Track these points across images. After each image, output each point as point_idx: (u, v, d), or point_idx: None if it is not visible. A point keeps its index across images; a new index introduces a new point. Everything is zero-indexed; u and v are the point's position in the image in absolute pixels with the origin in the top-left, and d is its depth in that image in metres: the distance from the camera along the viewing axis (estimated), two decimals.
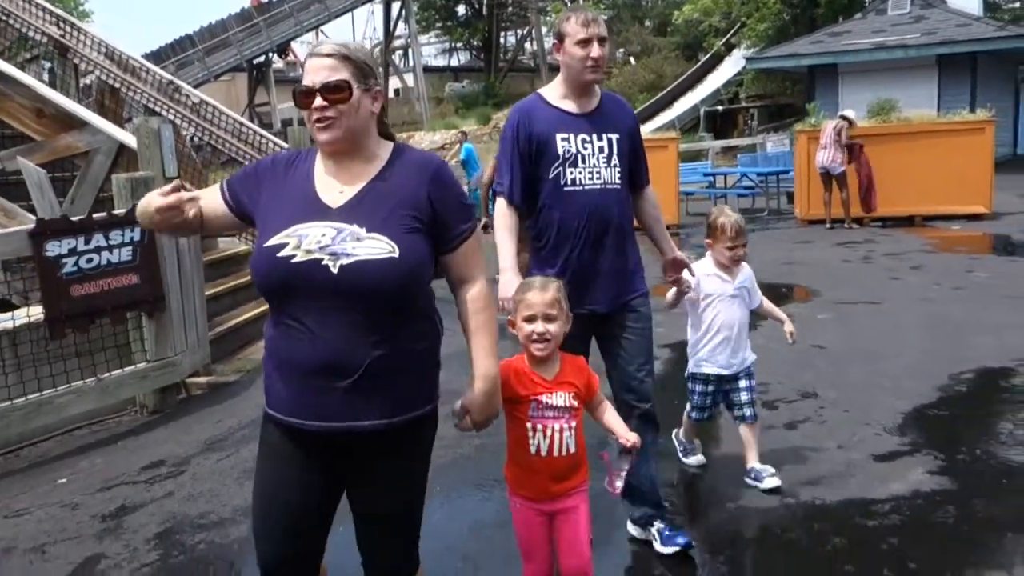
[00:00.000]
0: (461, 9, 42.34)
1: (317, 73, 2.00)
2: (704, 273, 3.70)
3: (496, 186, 3.13)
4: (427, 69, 39.92)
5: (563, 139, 2.99)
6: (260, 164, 2.20)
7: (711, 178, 16.62)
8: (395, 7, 38.24)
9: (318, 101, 1.99)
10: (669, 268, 3.31)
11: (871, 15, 22.60)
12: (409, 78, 39.56)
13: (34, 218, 5.91)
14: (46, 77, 10.39)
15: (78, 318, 5.02)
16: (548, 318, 2.44)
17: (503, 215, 3.06)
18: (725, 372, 3.75)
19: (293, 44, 36.93)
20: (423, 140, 32.00)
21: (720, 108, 28.04)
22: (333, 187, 2.05)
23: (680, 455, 4.07)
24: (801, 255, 10.16)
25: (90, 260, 5.05)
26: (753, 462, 3.77)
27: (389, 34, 39.55)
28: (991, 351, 5.61)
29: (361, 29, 60.16)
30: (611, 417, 2.61)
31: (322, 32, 39.78)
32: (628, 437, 2.50)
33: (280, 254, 1.96)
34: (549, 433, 2.43)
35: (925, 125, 12.96)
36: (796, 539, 3.31)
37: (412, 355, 2.05)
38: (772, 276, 8.43)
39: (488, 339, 2.14)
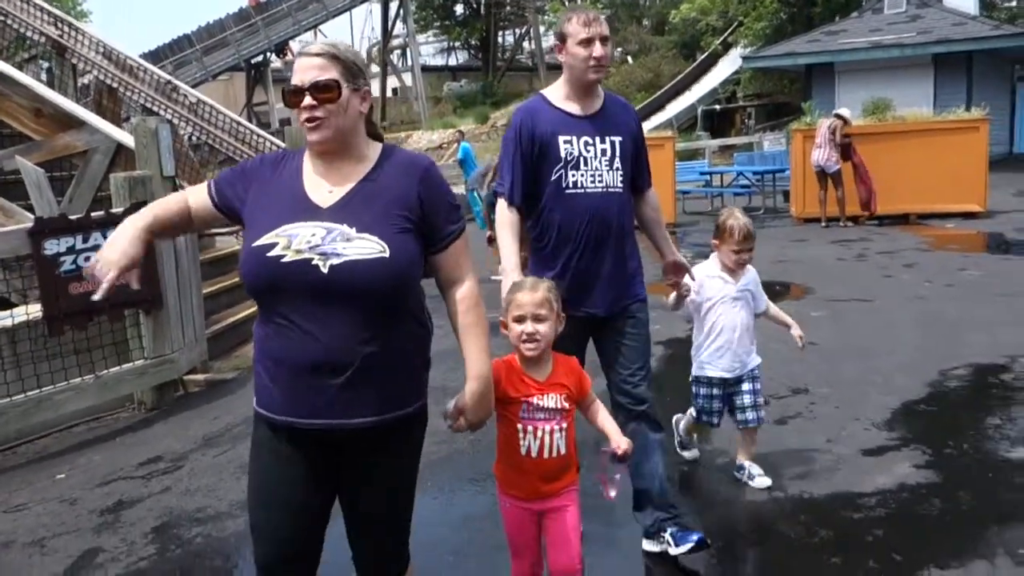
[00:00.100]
0: (459, 8, 42.38)
1: (306, 72, 2.01)
2: (707, 275, 3.68)
3: (497, 187, 3.13)
4: (425, 68, 39.98)
5: (566, 141, 2.98)
6: (248, 164, 2.20)
7: (708, 177, 16.68)
8: (393, 6, 38.29)
9: (307, 100, 1.99)
10: (669, 271, 3.31)
11: (867, 14, 22.65)
12: (407, 77, 39.62)
13: (32, 217, 5.96)
14: (44, 77, 10.44)
15: (76, 316, 5.07)
16: (538, 318, 2.43)
17: (504, 216, 3.05)
18: (728, 375, 3.71)
19: (291, 44, 36.91)
20: (421, 139, 32.06)
21: (717, 107, 28.10)
22: (322, 187, 2.06)
23: (676, 445, 4.08)
24: (796, 253, 10.21)
25: (88, 258, 5.06)
26: (744, 459, 3.82)
27: (387, 33, 39.58)
28: (982, 348, 5.66)
29: (359, 28, 60.24)
30: (604, 419, 2.59)
31: (320, 31, 39.79)
32: (620, 444, 2.48)
33: (270, 254, 1.96)
34: (540, 435, 2.43)
35: (920, 124, 13.03)
36: (784, 532, 3.36)
37: (402, 353, 2.06)
38: (767, 274, 8.42)
39: (480, 339, 2.15)
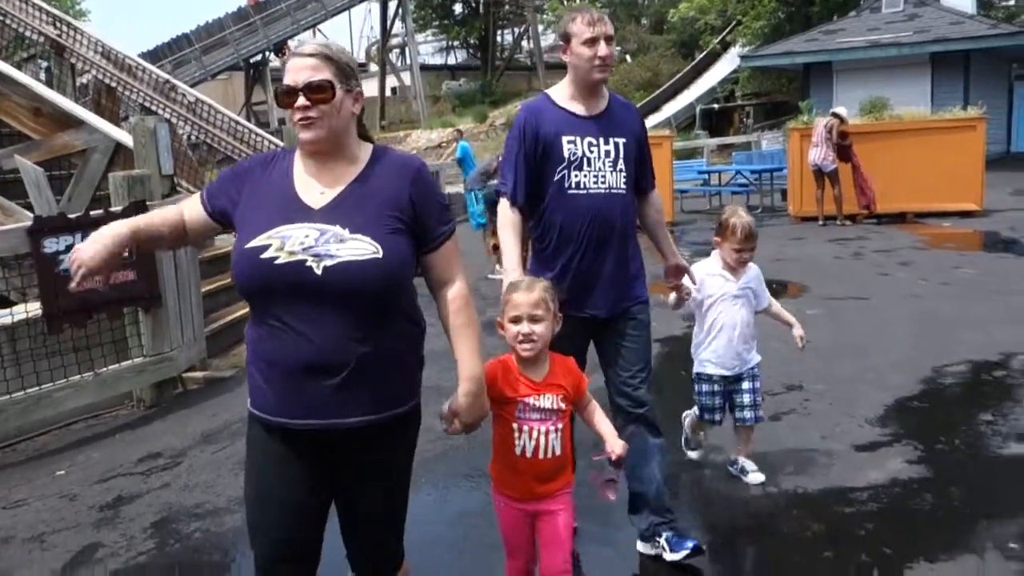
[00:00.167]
0: (458, 7, 42.33)
1: (300, 73, 2.01)
2: (708, 272, 3.66)
3: (499, 186, 3.13)
4: (424, 67, 39.96)
5: (569, 141, 2.98)
6: (237, 167, 2.20)
7: (706, 176, 16.72)
8: (392, 5, 38.28)
9: (301, 100, 1.99)
10: (671, 274, 3.31)
11: (865, 13, 22.69)
12: (406, 76, 39.62)
13: (32, 215, 5.99)
14: (42, 76, 10.48)
15: (75, 313, 5.10)
16: (534, 319, 2.42)
17: (506, 215, 3.05)
18: (728, 373, 3.71)
19: (290, 43, 36.91)
20: (420, 138, 32.08)
21: (716, 106, 28.11)
22: (314, 188, 2.06)
23: (682, 443, 4.04)
24: (793, 251, 10.24)
25: None
26: (739, 455, 3.84)
27: (386, 32, 39.58)
28: (976, 346, 5.70)
29: (358, 27, 60.22)
30: (600, 422, 2.58)
31: (319, 31, 39.78)
32: (614, 448, 2.47)
33: (263, 256, 1.96)
34: (535, 435, 2.42)
35: (917, 123, 13.07)
36: (777, 526, 3.39)
37: (396, 353, 2.07)
38: (764, 272, 8.49)
39: (471, 340, 2.15)
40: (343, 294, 1.94)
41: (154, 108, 9.80)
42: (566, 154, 2.97)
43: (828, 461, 3.97)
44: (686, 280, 3.35)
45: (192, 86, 15.74)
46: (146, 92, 10.00)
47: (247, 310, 2.13)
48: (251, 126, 10.20)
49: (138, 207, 5.39)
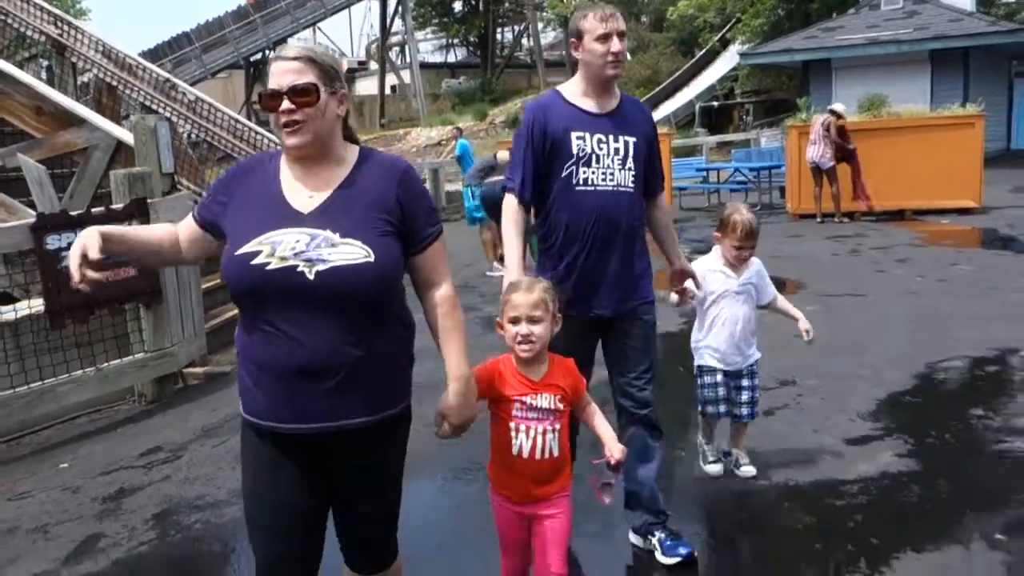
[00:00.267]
0: (457, 5, 42.36)
1: (284, 76, 2.00)
2: (709, 268, 3.62)
3: (507, 182, 3.10)
4: (424, 65, 39.98)
5: (578, 137, 2.95)
6: (224, 177, 2.20)
7: (705, 173, 16.77)
8: (391, 3, 38.29)
9: (285, 104, 1.99)
10: (675, 278, 3.31)
11: (864, 10, 22.72)
12: (406, 75, 39.65)
13: (34, 213, 6.05)
14: (44, 75, 10.53)
15: (78, 309, 5.16)
16: (533, 320, 2.41)
17: (511, 212, 3.03)
18: (729, 368, 3.68)
19: (290, 41, 36.98)
20: (420, 136, 32.13)
21: (715, 104, 28.16)
22: (302, 192, 2.05)
23: (700, 461, 3.88)
24: (791, 249, 10.28)
25: None
26: (732, 448, 3.88)
27: (386, 30, 39.61)
28: (971, 342, 5.74)
29: (358, 25, 60.19)
30: (599, 424, 2.57)
31: (319, 29, 39.86)
32: (613, 452, 2.46)
33: (254, 262, 1.96)
34: (532, 435, 2.41)
35: (915, 120, 13.12)
36: (767, 518, 3.46)
37: (388, 355, 2.07)
38: None
39: (459, 341, 2.15)
40: (335, 298, 1.94)
41: (155, 107, 9.85)
42: (575, 150, 2.95)
43: (819, 455, 4.02)
44: (689, 284, 3.34)
45: (192, 84, 15.80)
46: (147, 91, 10.05)
47: None
48: (251, 124, 10.25)
49: (139, 204, 5.46)
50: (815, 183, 12.33)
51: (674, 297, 3.47)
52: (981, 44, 19.71)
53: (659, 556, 3.12)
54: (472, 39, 43.18)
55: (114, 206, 5.50)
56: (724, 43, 29.15)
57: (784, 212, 13.63)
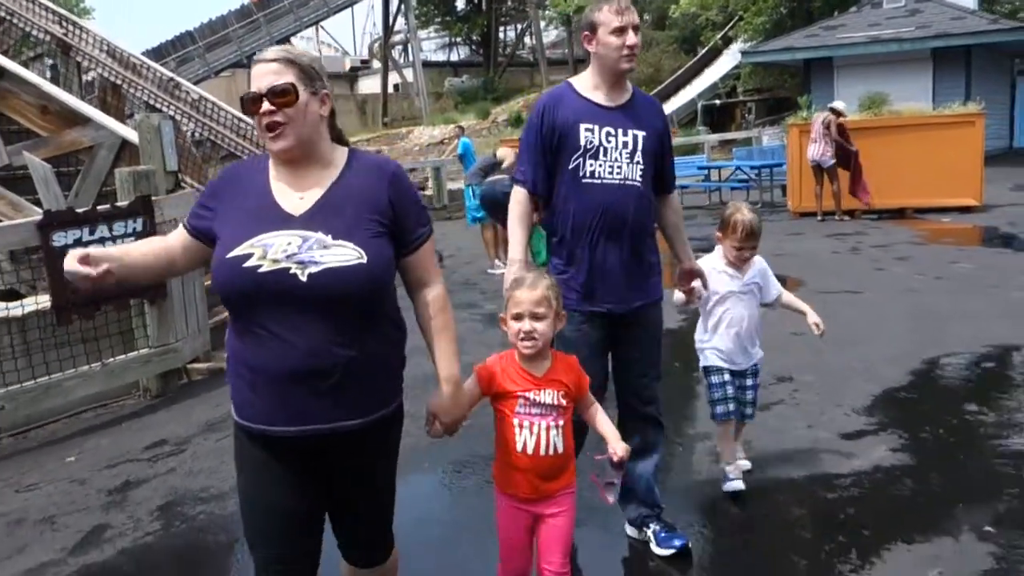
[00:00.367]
0: (460, 3, 42.43)
1: (263, 78, 2.01)
2: (713, 268, 3.54)
3: (516, 173, 3.11)
4: (426, 64, 40.03)
5: (587, 129, 2.94)
6: (212, 184, 2.20)
7: (706, 171, 16.82)
8: (394, 2, 38.32)
9: (265, 106, 1.99)
10: (683, 278, 3.29)
11: (867, 8, 22.73)
12: (408, 73, 39.70)
13: (40, 210, 6.12)
14: (48, 74, 10.61)
15: (84, 305, 5.23)
16: (536, 316, 2.40)
17: (517, 204, 3.03)
18: (734, 368, 3.63)
19: (293, 40, 37.03)
20: (422, 135, 32.17)
21: (718, 102, 28.17)
22: (292, 195, 2.05)
23: (723, 478, 3.66)
24: (791, 247, 10.31)
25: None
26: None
27: (388, 29, 39.66)
28: (967, 339, 5.79)
29: (360, 24, 60.24)
30: (602, 422, 2.57)
31: (322, 27, 39.93)
32: (616, 450, 2.46)
33: (246, 264, 1.95)
34: (536, 431, 2.41)
35: (916, 118, 13.16)
36: (760, 510, 3.51)
37: (381, 356, 2.08)
38: None
39: (449, 342, 2.17)
40: (328, 300, 1.94)
41: (159, 106, 9.92)
42: (582, 142, 2.94)
43: (813, 449, 4.08)
44: (697, 284, 3.32)
45: (196, 83, 15.87)
46: (151, 90, 10.13)
47: None
48: (254, 123, 10.32)
49: (144, 202, 5.53)
50: (816, 181, 12.37)
51: (680, 296, 3.44)
52: (983, 42, 19.71)
53: (654, 547, 3.17)
54: (475, 37, 43.24)
55: (119, 203, 5.56)
56: (726, 41, 29.13)
57: (785, 210, 13.67)
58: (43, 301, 5.29)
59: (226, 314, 6.61)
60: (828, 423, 4.40)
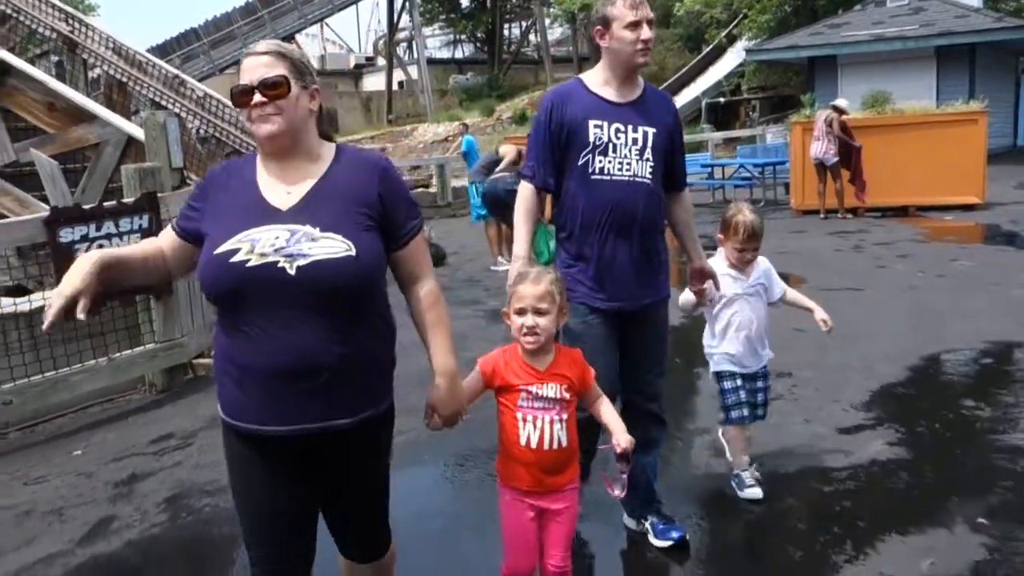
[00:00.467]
0: (465, 1, 42.47)
1: (254, 71, 2.00)
2: (718, 272, 3.46)
3: (524, 169, 3.11)
4: (431, 61, 40.06)
5: (596, 126, 2.93)
6: (198, 185, 2.20)
7: (710, 169, 16.85)
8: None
9: (257, 97, 1.98)
10: (694, 277, 3.28)
11: (871, 6, 22.69)
12: (413, 70, 39.71)
13: (47, 207, 6.18)
14: (53, 71, 10.68)
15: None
16: (538, 312, 2.40)
17: (525, 200, 3.03)
18: (746, 371, 3.59)
19: (297, 37, 37.07)
20: (427, 132, 32.23)
21: (722, 100, 28.19)
22: (279, 189, 2.03)
23: (735, 488, 3.62)
24: (794, 244, 10.34)
25: (101, 246, 5.30)
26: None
27: (393, 26, 39.69)
28: (966, 336, 5.83)
29: (365, 21, 60.28)
30: (608, 415, 2.57)
31: (327, 24, 39.98)
32: (621, 441, 2.46)
33: (233, 260, 1.92)
34: (539, 424, 2.40)
35: (919, 116, 13.16)
36: (757, 503, 3.54)
37: (372, 354, 2.06)
38: None
39: (443, 335, 2.16)
40: (318, 293, 1.92)
41: (164, 103, 9.98)
42: (591, 138, 2.93)
43: (811, 443, 4.12)
44: (709, 284, 3.31)
45: (200, 80, 15.94)
46: (156, 87, 10.19)
47: None
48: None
49: (150, 198, 5.59)
50: (819, 179, 12.39)
51: (689, 298, 3.43)
52: (987, 40, 19.68)
53: (652, 539, 3.22)
54: (479, 35, 43.27)
55: (125, 200, 5.62)
56: (731, 39, 29.11)
57: (788, 208, 13.70)
58: (50, 296, 5.34)
59: None
60: (826, 418, 4.44)
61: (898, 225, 11.49)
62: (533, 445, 2.42)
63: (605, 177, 2.94)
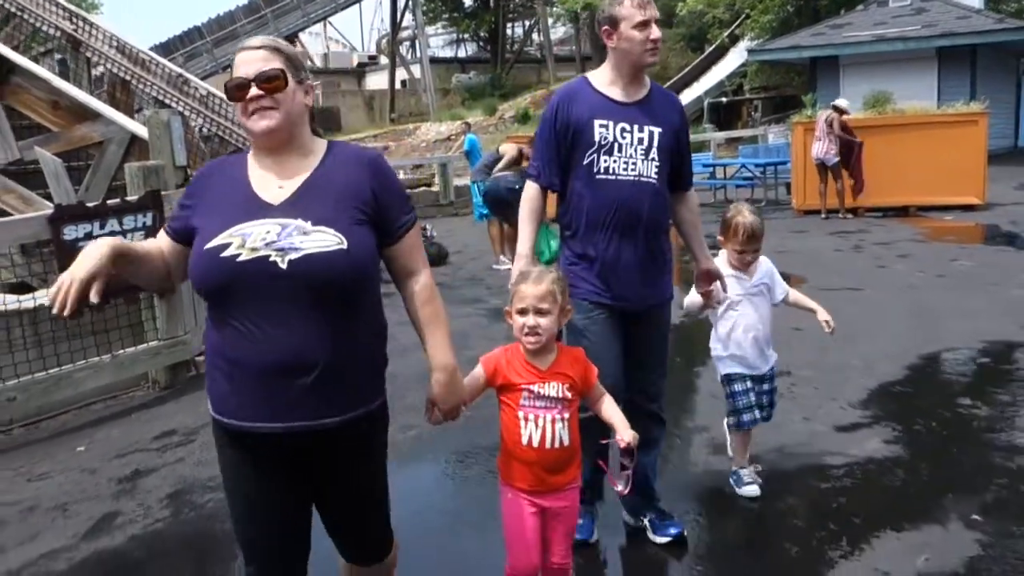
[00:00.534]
0: (468, 0, 42.51)
1: (250, 65, 1.99)
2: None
3: (530, 168, 3.13)
4: (434, 60, 40.14)
5: (601, 125, 2.93)
6: (190, 186, 2.17)
7: (711, 169, 16.88)
8: None
9: (253, 91, 1.98)
10: (702, 280, 3.26)
11: (873, 7, 22.74)
12: (416, 69, 39.78)
13: (51, 204, 6.22)
14: (56, 69, 10.71)
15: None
16: (540, 312, 2.40)
17: (530, 200, 3.04)
18: (754, 373, 3.57)
19: (301, 35, 37.13)
20: (429, 131, 32.28)
21: (724, 100, 28.23)
22: (271, 184, 2.02)
23: (733, 484, 3.67)
24: (795, 244, 10.38)
25: None
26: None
27: (396, 25, 39.75)
28: (965, 335, 5.86)
29: (368, 20, 60.38)
30: (611, 412, 2.57)
31: (330, 23, 40.00)
32: (624, 436, 2.46)
33: (224, 254, 1.91)
34: (541, 423, 2.41)
35: (919, 117, 13.19)
36: (754, 499, 3.57)
37: (365, 349, 2.05)
38: None
39: (440, 329, 2.14)
40: (310, 287, 1.90)
41: (167, 101, 10.01)
42: (597, 138, 2.93)
43: (808, 441, 4.16)
44: (717, 287, 3.28)
45: (203, 79, 15.96)
46: (159, 85, 10.22)
47: None
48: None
49: (153, 196, 5.63)
50: (820, 179, 12.43)
51: (696, 300, 3.40)
52: (989, 42, 19.72)
53: (650, 535, 3.26)
54: (482, 34, 43.33)
55: (129, 198, 5.66)
56: (733, 39, 29.15)
57: (789, 208, 13.73)
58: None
59: None
60: (824, 416, 4.48)
61: (898, 225, 11.52)
62: (535, 444, 2.42)
63: (610, 177, 2.94)
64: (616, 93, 2.99)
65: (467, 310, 7.42)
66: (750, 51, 24.45)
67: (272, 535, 2.11)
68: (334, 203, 1.98)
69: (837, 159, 12.05)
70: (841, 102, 12.48)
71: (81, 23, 10.61)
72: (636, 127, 2.96)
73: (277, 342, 1.91)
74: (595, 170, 2.95)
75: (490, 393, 2.54)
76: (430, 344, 2.15)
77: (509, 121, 30.77)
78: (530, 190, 3.08)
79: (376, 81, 42.05)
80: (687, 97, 28.28)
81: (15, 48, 9.55)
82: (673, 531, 3.22)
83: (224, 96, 2.20)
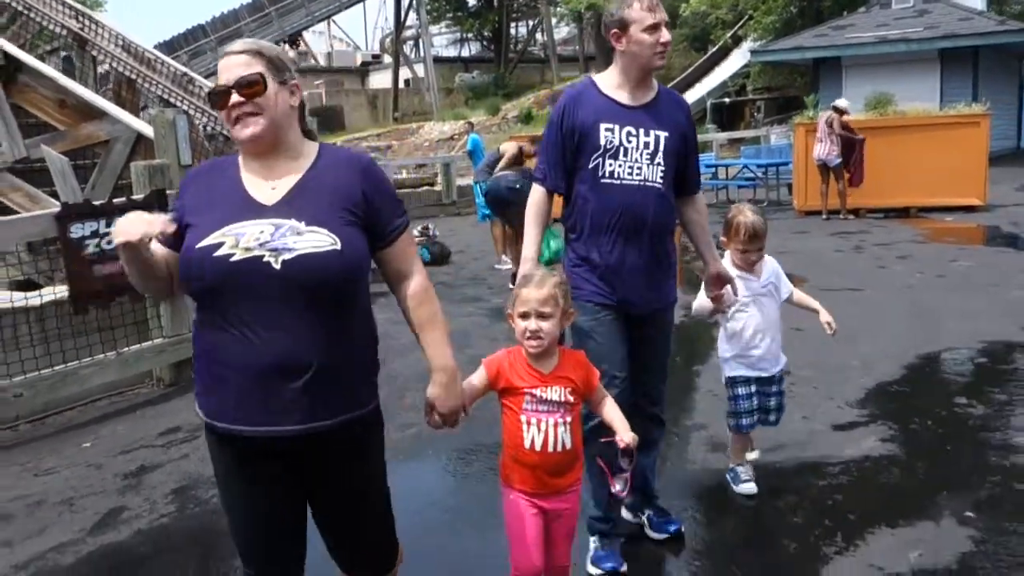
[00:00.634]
0: (472, 0, 42.57)
1: (231, 71, 1.97)
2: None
3: (536, 171, 3.12)
4: (437, 60, 40.17)
5: (607, 129, 2.92)
6: (183, 183, 2.17)
7: (713, 169, 16.92)
8: None
9: (234, 98, 1.96)
10: (712, 283, 3.25)
11: (875, 8, 22.77)
12: (419, 68, 39.84)
13: (57, 203, 6.28)
14: (61, 67, 10.75)
15: (100, 296, 5.37)
16: (542, 315, 2.39)
17: (536, 203, 3.04)
18: (764, 374, 3.56)
19: (304, 34, 37.19)
20: (432, 130, 32.33)
21: (727, 100, 28.26)
22: (264, 185, 2.01)
23: (730, 481, 3.71)
24: (796, 245, 10.41)
25: (111, 242, 5.38)
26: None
27: (400, 24, 39.81)
28: (964, 336, 5.90)
29: (372, 19, 60.37)
30: (612, 415, 2.57)
31: (334, 22, 40.05)
32: (624, 437, 2.47)
33: (217, 254, 1.89)
34: (544, 427, 2.40)
35: (921, 118, 13.23)
36: (751, 496, 3.62)
37: (358, 352, 2.05)
38: None
39: (438, 331, 2.13)
40: (304, 288, 1.89)
41: (173, 100, 10.04)
42: (602, 141, 2.91)
43: (806, 439, 4.21)
44: (727, 290, 3.27)
45: (208, 77, 15.98)
46: (165, 84, 10.26)
47: None
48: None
49: (159, 195, 5.68)
50: (822, 180, 12.47)
51: (706, 304, 3.38)
52: (991, 43, 19.74)
53: (649, 532, 3.31)
54: (486, 34, 43.37)
55: (135, 196, 5.71)
56: (736, 40, 29.18)
57: (791, 208, 13.76)
58: (60, 291, 5.44)
59: None
60: (822, 415, 4.52)
61: (899, 226, 11.55)
62: (537, 448, 2.42)
63: (615, 181, 2.93)
64: (623, 96, 2.98)
65: (468, 309, 7.47)
66: (753, 52, 24.49)
67: (266, 538, 2.11)
68: (327, 204, 1.98)
69: (839, 160, 12.08)
70: (841, 102, 12.51)
71: (87, 22, 10.65)
72: (642, 131, 2.94)
73: (270, 343, 1.89)
74: (600, 174, 2.94)
75: (490, 394, 2.55)
76: (429, 346, 2.14)
77: (512, 121, 30.81)
78: (536, 193, 3.07)
79: (380, 80, 42.12)
80: (690, 97, 28.24)
81: (21, 46, 9.59)
82: (671, 528, 3.28)
83: None
